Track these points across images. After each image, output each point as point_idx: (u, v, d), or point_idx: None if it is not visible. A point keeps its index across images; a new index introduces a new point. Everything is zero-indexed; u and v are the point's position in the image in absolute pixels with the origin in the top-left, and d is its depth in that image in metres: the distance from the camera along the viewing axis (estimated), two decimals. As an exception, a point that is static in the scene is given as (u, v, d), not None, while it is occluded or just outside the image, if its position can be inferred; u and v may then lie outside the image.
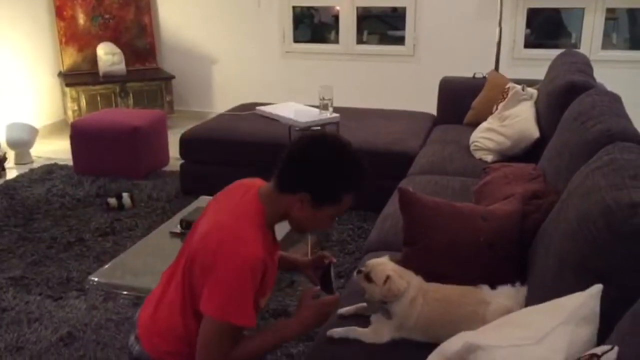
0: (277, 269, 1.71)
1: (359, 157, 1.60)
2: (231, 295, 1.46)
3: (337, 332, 1.80)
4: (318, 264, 1.84)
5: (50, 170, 4.77)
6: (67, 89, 5.62)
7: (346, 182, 1.56)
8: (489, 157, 3.38)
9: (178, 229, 2.76)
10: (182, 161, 4.32)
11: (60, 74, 5.89)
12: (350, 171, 1.56)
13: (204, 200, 3.18)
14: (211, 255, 1.48)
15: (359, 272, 1.82)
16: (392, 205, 2.80)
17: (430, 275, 1.87)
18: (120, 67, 5.90)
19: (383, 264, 1.82)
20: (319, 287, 1.76)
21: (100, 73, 5.85)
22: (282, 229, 1.76)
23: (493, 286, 1.81)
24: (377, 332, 1.78)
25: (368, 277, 1.78)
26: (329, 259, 1.82)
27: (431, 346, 1.36)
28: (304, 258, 1.91)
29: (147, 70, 6.19)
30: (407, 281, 1.78)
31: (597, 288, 1.21)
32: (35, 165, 4.95)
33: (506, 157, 3.29)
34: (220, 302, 1.47)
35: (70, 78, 5.76)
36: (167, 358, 1.62)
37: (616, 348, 1.02)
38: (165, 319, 1.62)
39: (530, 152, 3.18)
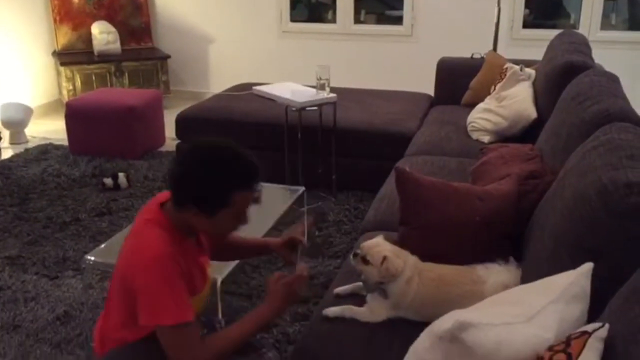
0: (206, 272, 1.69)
1: (234, 155, 1.52)
2: (153, 300, 1.47)
3: (333, 311, 1.81)
4: (290, 244, 1.85)
5: (46, 150, 4.75)
6: (62, 69, 5.57)
7: (225, 185, 1.48)
8: (486, 138, 3.37)
9: (174, 209, 2.76)
10: (178, 141, 4.30)
11: (54, 53, 5.84)
12: (226, 172, 1.48)
13: (200, 180, 3.17)
14: (128, 269, 1.52)
15: (355, 255, 1.82)
16: (389, 186, 2.80)
17: (427, 254, 1.87)
18: (115, 46, 5.85)
19: (379, 245, 1.82)
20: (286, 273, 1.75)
21: (95, 52, 5.80)
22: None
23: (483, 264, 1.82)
24: (373, 311, 1.78)
25: (365, 260, 1.78)
26: (299, 239, 1.82)
27: (427, 325, 1.36)
28: (276, 239, 1.89)
29: (143, 49, 6.13)
30: (404, 261, 1.78)
31: (588, 266, 1.22)
32: (30, 145, 4.92)
33: (503, 137, 3.28)
34: (148, 310, 1.48)
35: (65, 57, 5.71)
36: None
37: (607, 325, 1.03)
38: (114, 332, 1.65)
39: (527, 133, 3.17)
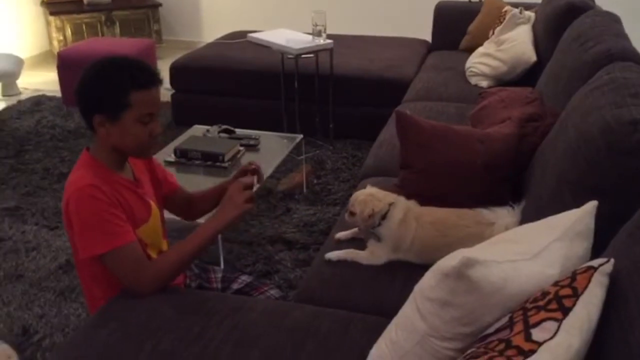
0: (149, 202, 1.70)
1: (126, 59, 1.59)
2: (90, 229, 1.51)
3: (335, 254, 1.83)
4: (243, 174, 1.81)
5: (39, 101, 4.69)
6: (52, 18, 5.45)
7: (120, 83, 1.53)
8: (485, 83, 3.34)
9: (172, 158, 2.75)
10: (173, 91, 4.25)
11: (43, 3, 5.70)
12: (118, 72, 1.54)
13: (197, 129, 3.15)
14: (64, 211, 1.56)
15: (347, 211, 1.86)
16: (388, 132, 2.79)
17: (427, 198, 1.87)
18: (105, -6, 5.72)
19: (360, 192, 1.85)
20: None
21: (85, 1, 5.66)
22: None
23: (488, 208, 1.82)
24: (374, 253, 1.80)
25: (352, 212, 1.82)
26: (254, 165, 1.81)
27: (427, 267, 1.37)
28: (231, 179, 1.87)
29: (133, -3, 6.00)
30: (389, 203, 1.79)
31: (592, 204, 1.22)
32: (23, 97, 4.86)
33: (502, 82, 3.26)
34: (87, 240, 1.52)
35: (54, 7, 5.58)
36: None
37: (612, 260, 1.04)
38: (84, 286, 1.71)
39: (527, 77, 3.15)
